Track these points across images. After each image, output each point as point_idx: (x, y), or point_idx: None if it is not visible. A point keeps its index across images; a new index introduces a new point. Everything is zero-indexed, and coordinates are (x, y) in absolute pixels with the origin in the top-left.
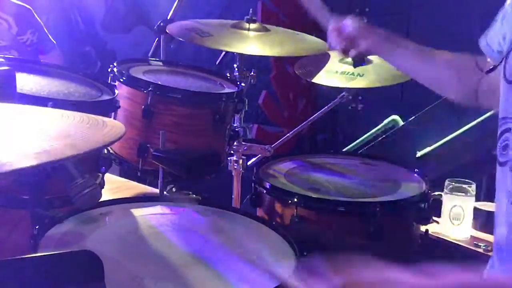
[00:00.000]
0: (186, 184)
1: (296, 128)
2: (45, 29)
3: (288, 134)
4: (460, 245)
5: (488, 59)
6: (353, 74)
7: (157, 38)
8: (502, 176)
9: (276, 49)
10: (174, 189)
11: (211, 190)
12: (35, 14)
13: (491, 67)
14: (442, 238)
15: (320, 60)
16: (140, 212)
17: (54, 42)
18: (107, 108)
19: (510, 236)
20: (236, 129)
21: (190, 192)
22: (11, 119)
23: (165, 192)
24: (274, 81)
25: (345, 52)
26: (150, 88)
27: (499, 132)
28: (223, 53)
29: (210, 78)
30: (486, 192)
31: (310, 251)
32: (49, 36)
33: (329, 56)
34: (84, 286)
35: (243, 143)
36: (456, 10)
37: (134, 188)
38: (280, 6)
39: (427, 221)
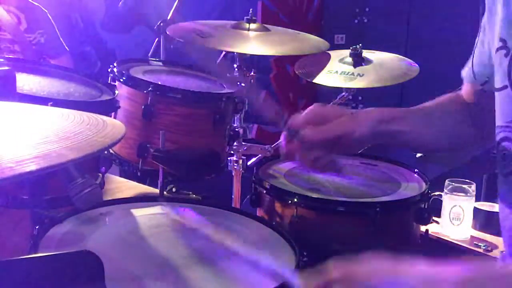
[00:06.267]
0: (186, 184)
1: None
2: (58, 34)
3: None
4: (460, 245)
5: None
6: (353, 74)
7: (157, 38)
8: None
9: (276, 49)
10: (174, 189)
11: (211, 190)
12: (50, 18)
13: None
14: (442, 238)
15: (320, 60)
16: (140, 212)
17: (67, 49)
18: (107, 108)
19: None
20: (236, 129)
21: (190, 192)
22: (10, 119)
23: (165, 192)
24: (274, 81)
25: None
26: (150, 88)
27: (497, 139)
28: (223, 53)
29: (210, 78)
30: (486, 192)
31: (310, 251)
32: (62, 42)
33: (329, 56)
34: (84, 286)
35: (243, 143)
36: (456, 10)
37: (134, 188)
38: (280, 6)
39: (427, 221)
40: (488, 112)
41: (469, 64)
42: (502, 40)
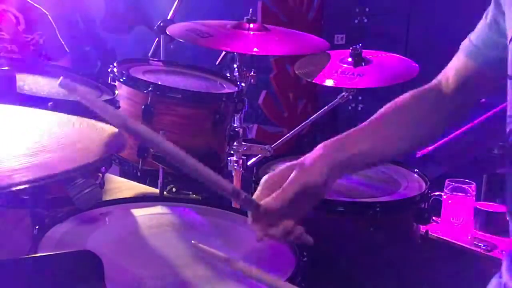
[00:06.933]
0: (186, 184)
1: (296, 128)
2: (59, 36)
3: (288, 134)
4: (460, 245)
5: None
6: (353, 74)
7: (157, 38)
8: None
9: (276, 49)
10: (174, 189)
11: (211, 190)
12: (50, 19)
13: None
14: (442, 238)
15: (320, 60)
16: (140, 212)
17: (67, 50)
18: None
19: None
20: (236, 129)
21: (190, 192)
22: (10, 121)
23: (165, 192)
24: (274, 81)
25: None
26: (150, 88)
27: (508, 130)
28: (223, 53)
29: (210, 78)
30: (486, 192)
31: (310, 251)
32: (63, 43)
33: (329, 56)
34: (84, 286)
35: (243, 143)
36: (456, 10)
37: (134, 188)
38: (280, 6)
39: (427, 221)
40: (476, 92)
41: (470, 36)
42: None
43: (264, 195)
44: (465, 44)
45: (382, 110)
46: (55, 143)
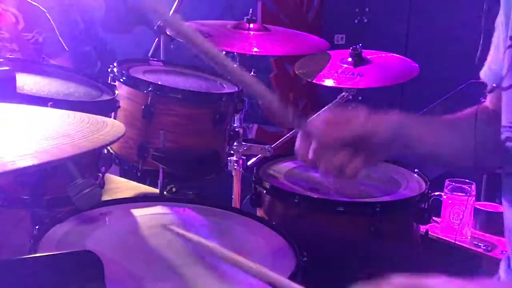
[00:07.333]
0: (186, 184)
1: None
2: (57, 33)
3: (288, 134)
4: (460, 245)
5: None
6: (353, 74)
7: (157, 38)
8: None
9: (276, 49)
10: (174, 189)
11: (211, 190)
12: (49, 17)
13: (492, 87)
14: (442, 238)
15: (320, 60)
16: (140, 212)
17: (66, 48)
18: (107, 108)
19: None
20: (236, 129)
21: (190, 192)
22: (11, 119)
23: (165, 192)
24: (274, 81)
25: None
26: (150, 88)
27: (502, 138)
28: (223, 53)
29: (210, 78)
30: (486, 192)
31: (310, 251)
32: (61, 41)
33: (329, 56)
34: (84, 286)
35: (243, 143)
36: (456, 10)
37: (134, 188)
38: (280, 6)
39: (427, 221)
40: None
41: (486, 63)
42: (511, 38)
43: (323, 122)
44: (483, 72)
45: (461, 112)
46: (57, 134)
